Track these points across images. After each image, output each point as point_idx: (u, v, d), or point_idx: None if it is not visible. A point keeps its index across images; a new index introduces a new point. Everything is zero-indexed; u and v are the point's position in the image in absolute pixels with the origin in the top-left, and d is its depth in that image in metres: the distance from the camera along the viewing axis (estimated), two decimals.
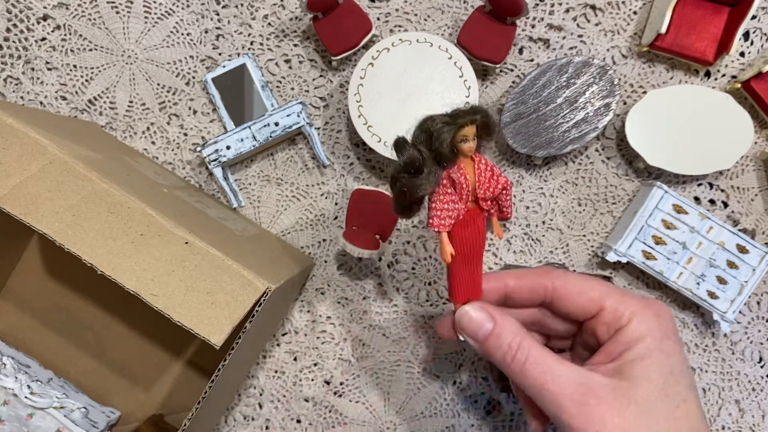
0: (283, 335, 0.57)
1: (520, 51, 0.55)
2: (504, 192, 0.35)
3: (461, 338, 0.37)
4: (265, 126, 0.52)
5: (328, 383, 0.57)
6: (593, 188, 0.56)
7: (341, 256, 0.57)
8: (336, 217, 0.57)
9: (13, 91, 0.56)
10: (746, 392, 0.57)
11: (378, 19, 0.55)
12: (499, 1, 0.49)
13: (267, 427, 0.57)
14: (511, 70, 0.55)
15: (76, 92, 0.56)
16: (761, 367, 0.57)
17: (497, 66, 0.53)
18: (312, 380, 0.57)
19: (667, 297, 0.56)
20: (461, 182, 0.34)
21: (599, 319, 0.36)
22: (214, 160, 0.53)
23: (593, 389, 0.32)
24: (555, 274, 0.38)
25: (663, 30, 0.50)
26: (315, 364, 0.57)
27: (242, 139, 0.52)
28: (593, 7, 0.54)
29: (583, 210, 0.56)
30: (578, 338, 0.39)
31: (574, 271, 0.56)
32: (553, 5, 0.54)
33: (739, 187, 0.55)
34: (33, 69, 0.56)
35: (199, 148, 0.52)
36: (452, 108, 0.33)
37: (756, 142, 0.55)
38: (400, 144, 0.34)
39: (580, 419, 0.32)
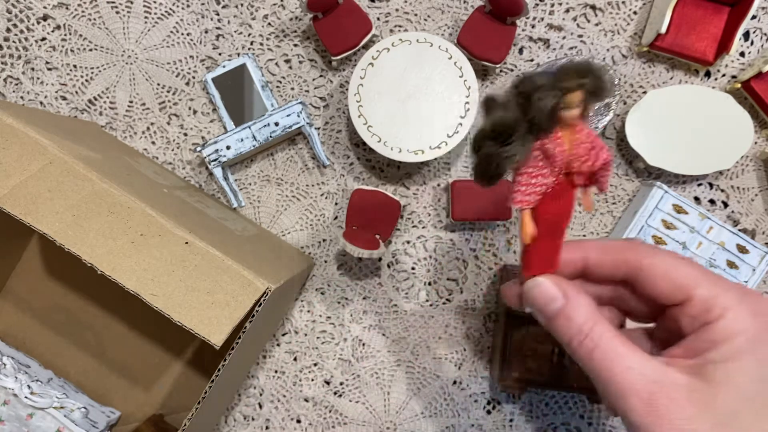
0: (283, 335, 0.57)
1: (520, 51, 0.55)
2: (603, 168, 0.31)
3: (527, 310, 0.34)
4: (265, 126, 0.52)
5: (328, 383, 0.57)
6: (593, 188, 0.56)
7: (341, 256, 0.57)
8: (336, 217, 0.57)
9: (13, 91, 0.56)
10: None
11: (378, 19, 0.55)
12: (499, 1, 0.49)
13: (267, 427, 0.57)
14: (511, 70, 0.55)
15: (76, 92, 0.56)
16: None
17: (497, 66, 0.53)
18: (312, 380, 0.57)
19: None
20: (555, 154, 0.29)
21: (685, 309, 0.31)
22: (214, 160, 0.53)
23: (666, 389, 0.29)
24: (643, 251, 0.33)
25: (663, 30, 0.50)
26: (315, 364, 0.57)
27: (242, 139, 0.52)
28: (593, 7, 0.54)
29: (583, 210, 0.56)
30: (660, 320, 0.35)
31: None
32: (553, 5, 0.54)
33: (739, 187, 0.55)
34: (33, 69, 0.56)
35: (199, 148, 0.52)
36: (558, 65, 0.28)
37: (756, 142, 0.55)
38: (489, 103, 0.29)
39: (648, 420, 0.28)
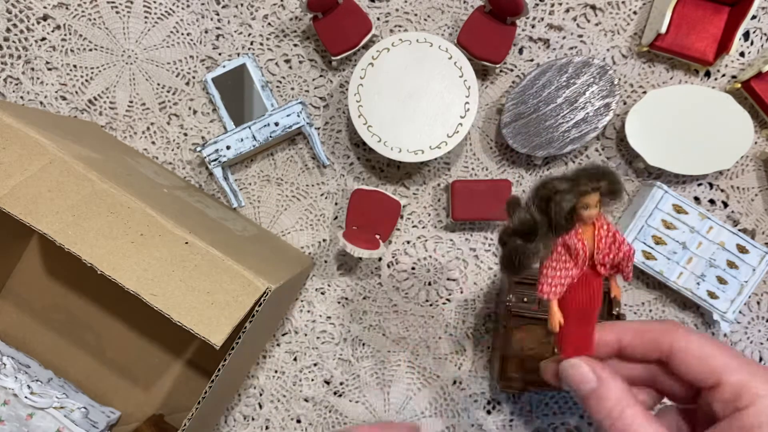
0: (283, 335, 0.57)
1: (520, 51, 0.55)
2: (625, 259, 0.33)
3: (565, 387, 0.35)
4: (265, 126, 0.52)
5: (328, 383, 0.57)
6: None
7: (341, 256, 0.57)
8: (336, 217, 0.57)
9: (13, 91, 0.56)
10: None
11: (378, 19, 0.55)
12: (499, 1, 0.49)
13: (267, 427, 0.57)
14: (511, 70, 0.55)
15: (76, 92, 0.56)
16: None
17: (497, 66, 0.53)
18: (312, 380, 0.57)
19: (667, 297, 0.56)
20: (578, 249, 0.31)
21: (716, 394, 0.31)
22: (214, 160, 0.53)
23: None
24: (676, 334, 0.34)
25: (663, 30, 0.50)
26: (315, 364, 0.57)
27: (242, 139, 0.52)
28: (593, 7, 0.54)
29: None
30: (699, 402, 0.35)
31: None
32: (553, 5, 0.54)
33: (739, 187, 0.55)
34: (33, 69, 0.56)
35: (199, 148, 0.52)
36: (575, 170, 0.30)
37: (756, 142, 0.55)
38: (513, 204, 0.31)
39: None
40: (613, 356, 0.36)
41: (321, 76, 0.56)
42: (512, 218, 0.31)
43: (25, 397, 0.47)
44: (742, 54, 0.55)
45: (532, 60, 0.55)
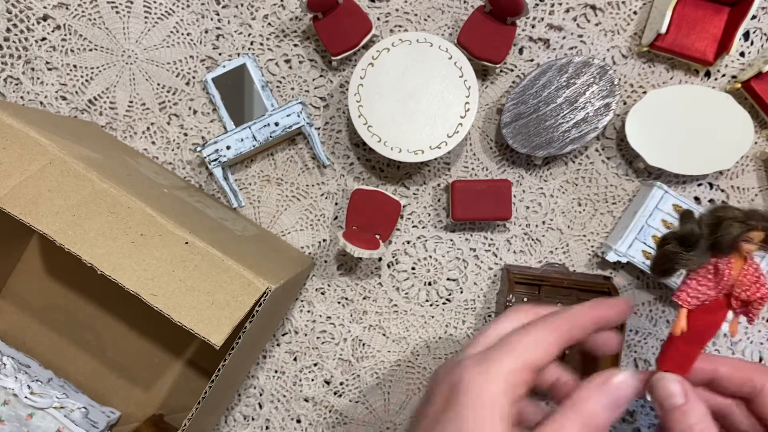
0: (283, 335, 0.57)
1: (520, 51, 0.55)
2: (759, 301, 0.35)
3: (648, 398, 0.37)
4: (265, 126, 0.52)
5: (328, 383, 0.57)
6: (593, 188, 0.56)
7: (341, 256, 0.57)
8: (336, 217, 0.57)
9: (13, 91, 0.56)
10: None
11: (378, 19, 0.55)
12: (499, 1, 0.49)
13: (267, 427, 0.57)
14: (511, 70, 0.55)
15: (76, 92, 0.56)
16: None
17: (497, 66, 0.53)
18: (312, 380, 0.57)
19: (667, 297, 0.56)
20: (724, 275, 0.34)
21: None
22: (214, 160, 0.53)
23: None
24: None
25: (663, 30, 0.50)
26: (315, 364, 0.57)
27: (242, 139, 0.52)
28: (593, 7, 0.54)
29: (583, 210, 0.56)
30: None
31: (574, 271, 0.56)
32: (553, 5, 0.54)
33: (739, 187, 0.55)
34: (33, 69, 0.56)
35: (199, 148, 0.52)
36: (751, 207, 0.34)
37: (756, 142, 0.55)
38: (686, 215, 0.34)
39: None
40: (702, 384, 0.38)
41: (321, 76, 0.56)
42: (681, 226, 0.34)
43: (25, 397, 0.47)
44: (742, 54, 0.55)
45: (532, 60, 0.55)
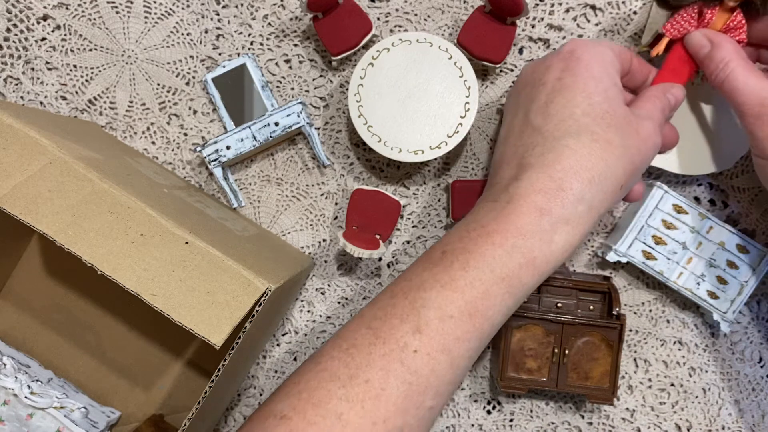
0: (283, 335, 0.57)
1: (520, 51, 0.55)
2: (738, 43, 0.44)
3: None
4: (265, 126, 0.52)
5: None
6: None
7: (341, 256, 0.57)
8: (336, 217, 0.57)
9: (13, 91, 0.56)
10: (746, 392, 0.57)
11: (378, 19, 0.55)
12: (499, 1, 0.49)
13: None
14: (511, 70, 0.55)
15: (76, 92, 0.56)
16: (761, 367, 0.57)
17: (497, 66, 0.53)
18: None
19: (667, 297, 0.56)
20: (705, 18, 0.44)
21: None
22: (214, 160, 0.53)
23: None
24: None
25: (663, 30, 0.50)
26: None
27: (242, 139, 0.52)
28: (593, 7, 0.54)
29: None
30: None
31: (574, 271, 0.56)
32: (553, 5, 0.54)
33: (739, 187, 0.55)
34: (33, 69, 0.56)
35: (199, 148, 0.52)
36: None
37: None
38: None
39: (756, 127, 0.41)
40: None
41: (321, 76, 0.56)
42: None
43: (25, 397, 0.47)
44: None
45: (532, 60, 0.55)
